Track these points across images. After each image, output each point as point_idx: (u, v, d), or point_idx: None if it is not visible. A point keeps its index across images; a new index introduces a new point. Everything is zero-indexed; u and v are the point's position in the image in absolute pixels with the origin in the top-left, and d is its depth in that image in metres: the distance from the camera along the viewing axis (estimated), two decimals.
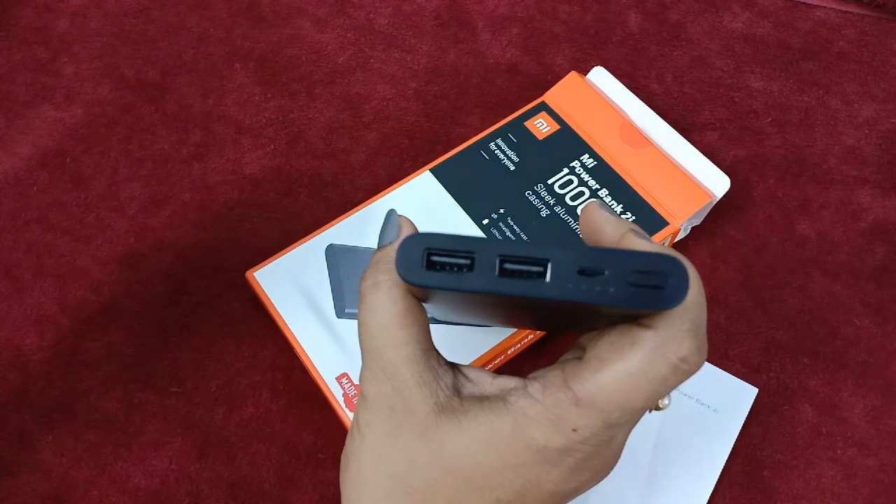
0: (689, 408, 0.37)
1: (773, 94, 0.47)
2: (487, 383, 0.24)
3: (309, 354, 0.37)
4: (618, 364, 0.21)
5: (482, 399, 0.23)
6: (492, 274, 0.21)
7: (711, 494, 0.35)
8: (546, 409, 0.22)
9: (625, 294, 0.20)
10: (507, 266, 0.21)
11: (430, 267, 0.21)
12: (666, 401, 0.25)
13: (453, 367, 0.25)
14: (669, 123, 0.43)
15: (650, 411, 0.25)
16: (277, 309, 0.38)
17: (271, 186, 0.44)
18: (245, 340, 0.40)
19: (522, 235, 0.39)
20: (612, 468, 0.25)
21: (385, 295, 0.23)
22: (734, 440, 0.36)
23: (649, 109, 0.43)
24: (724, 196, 0.41)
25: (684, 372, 0.21)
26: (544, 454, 0.22)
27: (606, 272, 0.20)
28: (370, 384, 0.24)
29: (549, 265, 0.20)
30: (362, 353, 0.24)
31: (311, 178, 0.44)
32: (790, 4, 0.51)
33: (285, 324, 0.37)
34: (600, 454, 0.23)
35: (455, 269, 0.21)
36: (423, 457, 0.23)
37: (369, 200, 0.41)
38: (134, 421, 0.38)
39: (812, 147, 0.45)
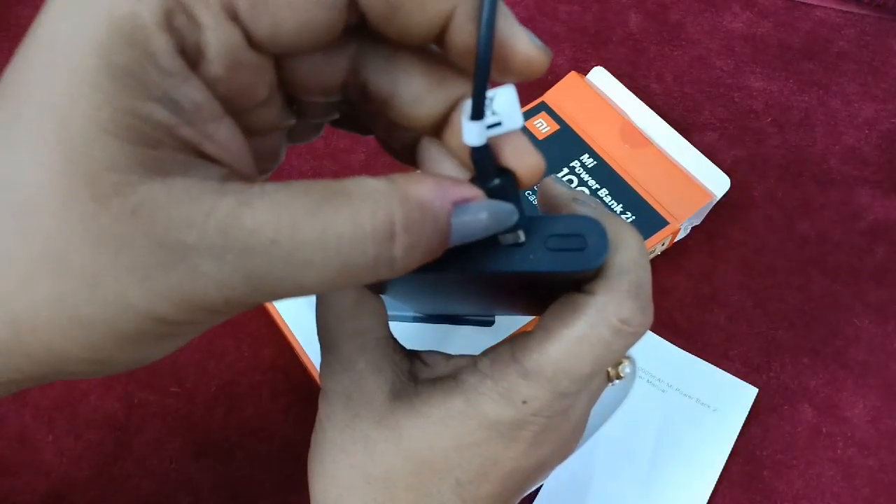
0: (689, 408, 0.37)
1: (773, 94, 0.47)
2: (442, 365, 0.24)
3: (309, 355, 0.37)
4: (561, 332, 0.21)
5: (436, 381, 0.23)
6: None
7: (711, 494, 0.35)
8: (495, 383, 0.22)
9: (547, 259, 0.20)
10: None
11: None
12: (627, 369, 0.25)
13: (412, 354, 0.25)
14: (669, 123, 0.43)
15: (611, 382, 0.25)
16: (277, 309, 0.38)
17: None
18: (245, 340, 0.40)
19: None
20: (576, 442, 0.25)
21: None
22: (734, 440, 0.36)
23: (649, 109, 0.43)
24: (724, 196, 0.41)
25: (629, 334, 0.21)
26: (497, 429, 0.22)
27: (526, 240, 0.20)
28: (328, 377, 0.24)
29: None
30: (320, 348, 0.24)
31: (311, 178, 0.44)
32: (790, 4, 0.51)
33: (285, 324, 0.37)
34: (557, 427, 0.23)
35: None
36: (380, 445, 0.23)
37: None
38: (134, 421, 0.38)
39: (812, 147, 0.45)
